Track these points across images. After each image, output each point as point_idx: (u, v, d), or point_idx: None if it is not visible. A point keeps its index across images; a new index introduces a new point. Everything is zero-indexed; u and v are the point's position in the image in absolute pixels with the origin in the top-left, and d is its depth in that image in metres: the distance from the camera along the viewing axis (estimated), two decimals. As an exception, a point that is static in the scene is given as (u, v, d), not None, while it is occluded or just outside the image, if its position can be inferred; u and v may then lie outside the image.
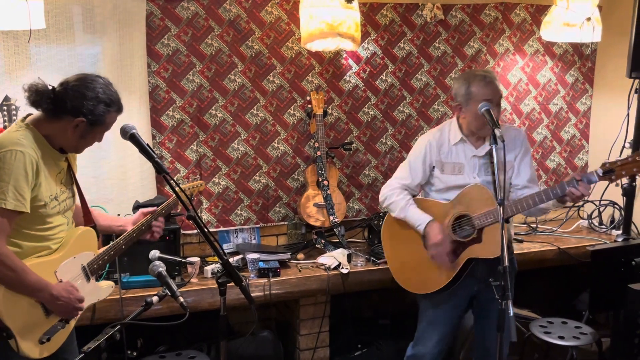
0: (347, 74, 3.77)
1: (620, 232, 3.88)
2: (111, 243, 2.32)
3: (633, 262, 3.11)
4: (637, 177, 2.63)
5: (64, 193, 2.17)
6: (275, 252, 3.37)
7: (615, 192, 3.93)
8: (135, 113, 3.27)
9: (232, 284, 2.08)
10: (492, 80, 2.66)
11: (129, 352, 3.19)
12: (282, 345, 3.47)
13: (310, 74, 3.68)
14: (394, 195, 2.83)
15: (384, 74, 3.85)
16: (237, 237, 3.66)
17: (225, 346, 2.14)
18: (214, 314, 2.39)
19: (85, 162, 2.96)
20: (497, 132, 2.35)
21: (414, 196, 2.86)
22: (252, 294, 2.82)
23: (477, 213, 2.67)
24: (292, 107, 3.67)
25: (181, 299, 1.96)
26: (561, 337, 3.09)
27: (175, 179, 3.05)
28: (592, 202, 4.20)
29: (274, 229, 3.76)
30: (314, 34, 3.27)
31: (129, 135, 2.12)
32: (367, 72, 3.81)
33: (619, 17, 4.04)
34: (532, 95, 4.27)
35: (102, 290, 2.37)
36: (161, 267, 2.03)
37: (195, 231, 3.50)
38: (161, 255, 2.23)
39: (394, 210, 2.83)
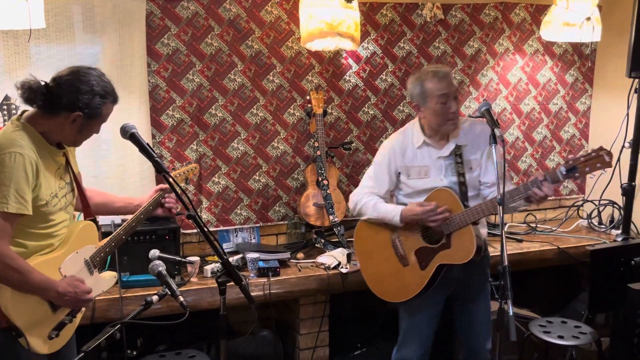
0: (347, 74, 3.78)
1: (619, 231, 3.88)
2: (112, 235, 2.33)
3: (632, 262, 3.11)
4: (601, 172, 2.54)
5: (63, 189, 2.17)
6: (275, 252, 3.37)
7: (614, 192, 3.94)
8: (135, 112, 3.27)
9: (232, 283, 2.08)
10: (445, 74, 2.62)
11: (129, 352, 3.19)
12: (282, 345, 3.47)
13: (310, 74, 3.68)
14: (363, 199, 2.77)
15: (383, 73, 3.85)
16: (236, 236, 3.66)
17: (225, 345, 2.14)
18: (213, 313, 2.39)
19: (86, 161, 2.95)
20: (497, 131, 2.35)
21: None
22: (252, 294, 2.81)
23: None
24: (292, 107, 3.67)
25: (181, 298, 1.96)
26: (560, 337, 3.09)
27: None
28: (591, 201, 4.21)
29: (274, 228, 3.76)
30: (314, 33, 3.27)
31: (129, 134, 2.12)
32: (367, 72, 3.81)
33: (618, 16, 4.04)
34: (532, 94, 4.27)
35: (105, 281, 2.38)
36: (161, 267, 2.03)
37: (195, 230, 3.50)
38: (161, 254, 2.23)
39: (365, 213, 2.77)
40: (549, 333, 3.13)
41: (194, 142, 3.47)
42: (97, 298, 2.79)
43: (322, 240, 3.61)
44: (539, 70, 4.25)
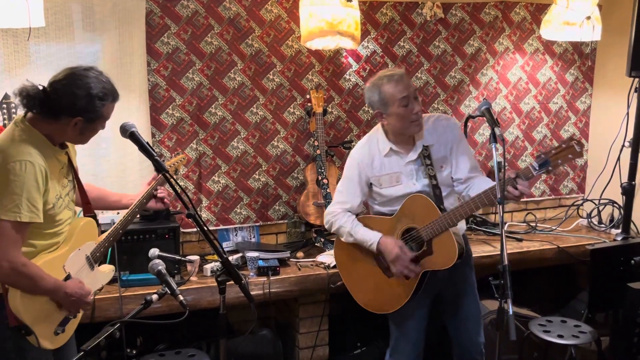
0: (347, 73, 3.77)
1: (619, 231, 3.88)
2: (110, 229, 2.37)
3: (632, 261, 3.11)
4: (574, 161, 2.45)
5: (65, 187, 2.20)
6: (274, 251, 3.37)
7: (614, 191, 3.94)
8: (134, 111, 3.27)
9: (232, 282, 2.08)
10: (400, 77, 2.55)
11: (129, 351, 3.19)
12: (282, 344, 3.46)
13: (310, 73, 3.68)
14: (338, 221, 2.71)
15: (383, 72, 3.85)
16: (236, 235, 3.66)
17: (224, 344, 2.14)
18: (213, 312, 2.39)
19: (85, 160, 2.95)
20: (497, 130, 2.33)
21: (357, 215, 2.75)
22: (252, 293, 2.82)
23: (423, 225, 2.57)
24: (291, 106, 3.67)
25: (180, 298, 1.96)
26: (560, 336, 3.09)
27: (174, 177, 3.06)
28: (591, 200, 4.21)
29: (274, 227, 3.76)
30: (314, 32, 3.27)
31: (128, 133, 2.12)
32: (367, 71, 3.81)
33: (618, 16, 4.04)
34: (532, 94, 4.27)
35: (105, 275, 2.42)
36: (161, 266, 2.03)
37: (194, 229, 3.49)
38: (161, 253, 2.24)
39: (342, 235, 2.73)
40: (549, 332, 3.13)
41: (194, 141, 3.46)
42: (96, 297, 2.80)
43: (322, 240, 3.61)
44: (539, 69, 4.25)
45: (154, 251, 2.29)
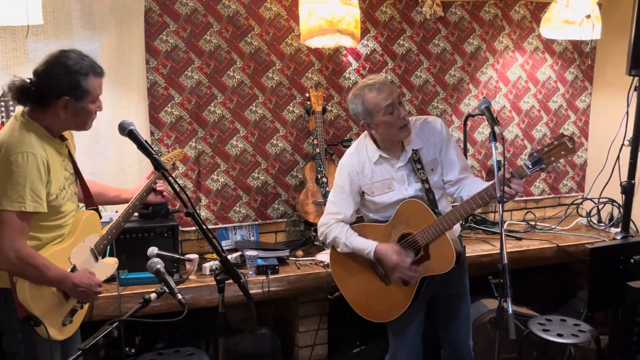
0: (347, 71, 3.77)
1: (619, 229, 3.87)
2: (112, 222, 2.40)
3: (632, 260, 3.10)
4: (568, 158, 2.44)
5: (68, 180, 2.23)
6: (273, 249, 3.37)
7: (614, 190, 3.94)
8: (133, 109, 3.27)
9: (231, 281, 2.07)
10: (382, 84, 2.50)
11: (127, 349, 3.19)
12: (281, 343, 3.46)
13: (309, 71, 3.67)
14: (332, 232, 2.66)
15: (383, 71, 3.84)
16: (235, 234, 3.65)
17: (223, 343, 2.13)
18: (212, 311, 2.39)
19: (84, 158, 2.95)
20: (496, 129, 2.32)
21: (352, 224, 2.71)
22: (251, 291, 2.81)
23: (418, 230, 2.55)
24: (291, 104, 3.66)
25: (179, 296, 1.95)
26: (560, 335, 3.09)
27: (173, 175, 3.05)
28: (591, 199, 4.20)
29: (273, 226, 3.75)
30: (314, 30, 3.26)
31: (127, 131, 2.11)
32: (366, 69, 3.80)
33: (618, 14, 4.03)
34: (532, 92, 4.26)
35: (109, 267, 2.45)
36: (159, 264, 2.02)
37: (193, 228, 3.49)
38: (159, 252, 2.24)
39: (337, 246, 2.68)
40: (548, 331, 3.13)
41: (193, 139, 3.46)
42: (95, 295, 2.80)
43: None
44: (539, 67, 4.25)
45: (152, 250, 2.28)
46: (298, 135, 3.71)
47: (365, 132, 2.66)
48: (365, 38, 3.76)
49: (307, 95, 3.63)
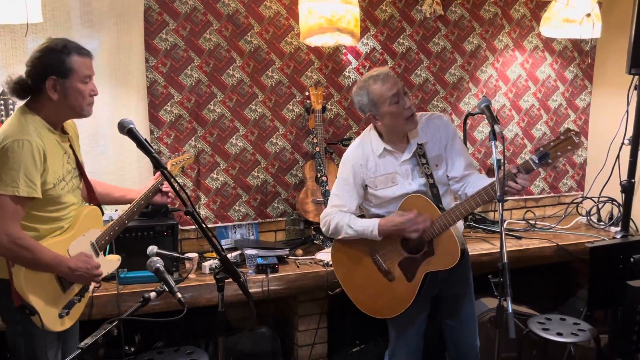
0: (347, 70, 3.76)
1: (618, 228, 3.87)
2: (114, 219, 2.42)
3: (631, 259, 3.10)
4: (574, 152, 2.42)
5: (69, 173, 2.24)
6: (273, 248, 3.36)
7: (614, 189, 3.94)
8: (133, 108, 3.26)
9: (230, 279, 2.07)
10: (386, 75, 2.50)
11: (127, 348, 3.18)
12: (280, 341, 3.46)
13: (309, 70, 3.67)
14: (335, 219, 2.64)
15: (383, 69, 3.84)
16: (235, 233, 3.65)
17: (223, 342, 2.13)
18: (211, 309, 2.38)
19: (83, 156, 2.93)
20: (496, 127, 2.31)
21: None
22: (250, 290, 2.81)
23: None
24: (290, 103, 3.66)
25: (179, 295, 1.95)
26: (559, 334, 3.09)
27: (179, 174, 3.06)
28: (590, 198, 4.20)
29: (273, 224, 3.75)
30: (313, 29, 3.26)
31: (126, 130, 2.11)
32: (366, 68, 3.80)
33: (618, 13, 4.03)
34: (532, 91, 4.26)
35: (112, 263, 2.47)
36: (159, 263, 2.02)
37: (193, 227, 3.49)
38: (159, 251, 2.23)
39: (340, 232, 2.63)
40: (548, 330, 3.13)
41: (192, 138, 3.45)
42: (94, 294, 2.80)
43: (321, 237, 3.60)
44: (539, 66, 4.24)
45: (152, 248, 2.27)
46: (298, 134, 3.70)
47: (370, 125, 2.65)
48: (365, 37, 3.76)
49: (306, 93, 3.62)
